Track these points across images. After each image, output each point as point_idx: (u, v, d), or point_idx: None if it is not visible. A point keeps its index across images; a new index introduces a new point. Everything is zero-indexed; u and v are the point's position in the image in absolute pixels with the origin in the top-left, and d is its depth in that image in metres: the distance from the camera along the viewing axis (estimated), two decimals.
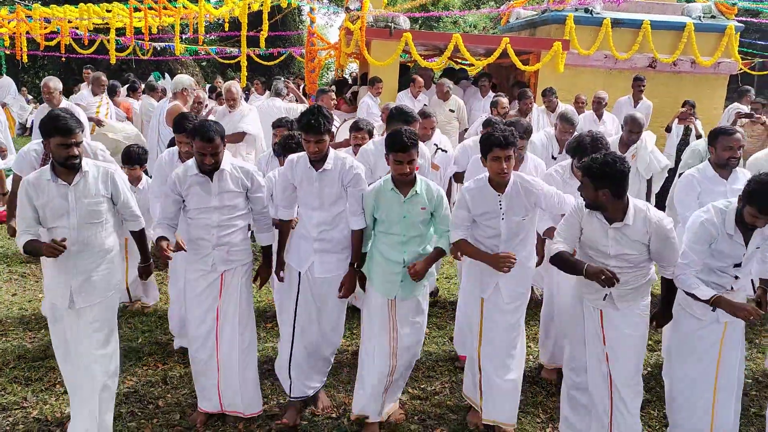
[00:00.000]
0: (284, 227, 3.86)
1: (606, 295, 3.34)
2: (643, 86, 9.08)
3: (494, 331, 3.67)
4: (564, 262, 3.34)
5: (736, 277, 3.37)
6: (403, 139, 3.38)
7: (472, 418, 3.88)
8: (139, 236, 3.71)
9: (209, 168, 3.56)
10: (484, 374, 3.71)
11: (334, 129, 6.91)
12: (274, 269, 3.90)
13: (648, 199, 6.00)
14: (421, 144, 3.94)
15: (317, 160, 3.60)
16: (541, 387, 4.38)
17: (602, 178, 3.12)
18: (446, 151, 5.52)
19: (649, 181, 6.04)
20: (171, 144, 4.83)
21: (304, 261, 3.75)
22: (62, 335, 3.41)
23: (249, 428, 3.78)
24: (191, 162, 3.65)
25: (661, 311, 3.56)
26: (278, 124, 5.44)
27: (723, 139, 4.31)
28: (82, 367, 3.38)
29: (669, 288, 3.45)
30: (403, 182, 3.52)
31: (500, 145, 3.38)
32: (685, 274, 3.27)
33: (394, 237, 3.59)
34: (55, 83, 6.06)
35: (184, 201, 3.66)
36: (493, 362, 3.67)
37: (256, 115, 7.20)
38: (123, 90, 10.75)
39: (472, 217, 3.58)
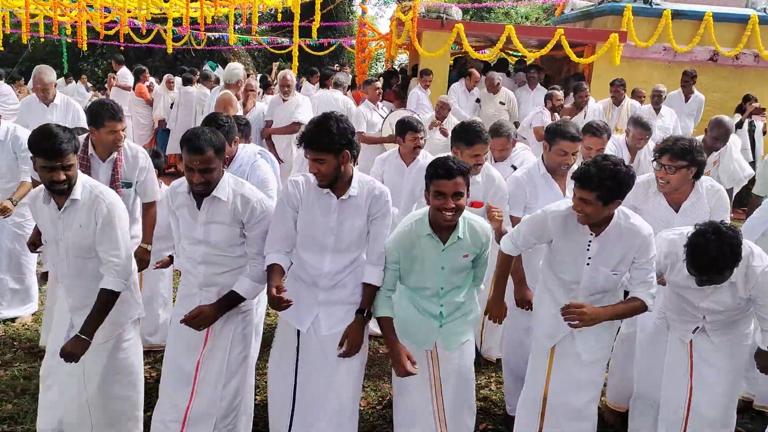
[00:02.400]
0: (274, 277, 2.77)
1: (697, 327, 2.99)
2: (693, 81, 8.65)
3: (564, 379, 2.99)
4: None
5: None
6: (449, 163, 2.66)
7: None
8: (104, 299, 2.81)
9: (199, 189, 2.78)
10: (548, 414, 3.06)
11: (379, 119, 6.99)
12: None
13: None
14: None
15: (332, 185, 2.75)
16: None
17: None
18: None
19: (730, 191, 5.36)
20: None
21: (306, 316, 2.85)
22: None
23: None
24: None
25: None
26: None
27: None
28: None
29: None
30: (444, 224, 2.74)
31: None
32: None
33: (429, 290, 2.88)
34: (49, 76, 5.19)
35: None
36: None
37: (309, 105, 7.23)
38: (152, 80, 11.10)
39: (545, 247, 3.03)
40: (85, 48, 14.27)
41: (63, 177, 2.73)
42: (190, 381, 2.89)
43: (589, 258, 2.85)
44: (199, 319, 2.81)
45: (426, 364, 2.91)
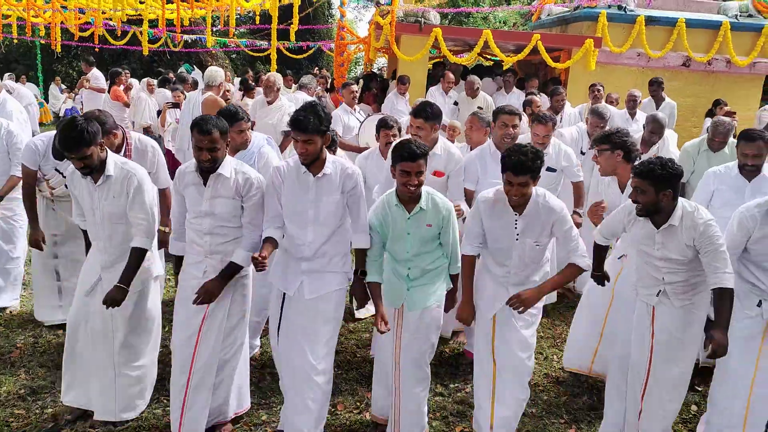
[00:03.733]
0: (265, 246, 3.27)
1: (660, 290, 3.31)
2: (661, 88, 8.59)
3: (507, 346, 3.45)
4: (597, 255, 3.62)
5: None
6: (412, 147, 3.13)
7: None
8: (136, 255, 3.40)
9: (207, 166, 3.25)
10: (497, 390, 3.48)
11: (356, 123, 6.98)
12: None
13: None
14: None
15: (311, 164, 3.20)
16: (566, 387, 4.34)
17: (666, 179, 3.07)
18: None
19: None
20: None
21: (292, 283, 3.33)
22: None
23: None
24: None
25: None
26: None
27: (741, 145, 4.18)
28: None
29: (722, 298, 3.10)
30: (408, 197, 3.25)
31: (511, 169, 3.17)
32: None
33: (398, 253, 3.37)
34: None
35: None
36: (505, 382, 3.46)
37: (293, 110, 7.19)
38: (135, 81, 10.87)
39: (483, 234, 3.43)
40: (59, 50, 14.09)
41: (82, 165, 3.28)
42: (195, 333, 3.35)
43: (518, 234, 3.33)
44: (208, 295, 3.27)
45: (393, 323, 3.35)
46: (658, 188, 3.08)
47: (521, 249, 3.35)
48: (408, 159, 3.12)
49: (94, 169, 3.35)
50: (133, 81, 11.22)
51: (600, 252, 3.66)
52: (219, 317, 3.39)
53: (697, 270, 3.21)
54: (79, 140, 3.21)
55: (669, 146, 5.81)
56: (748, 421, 3.46)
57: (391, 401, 3.44)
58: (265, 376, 4.25)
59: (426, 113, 4.19)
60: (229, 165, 3.33)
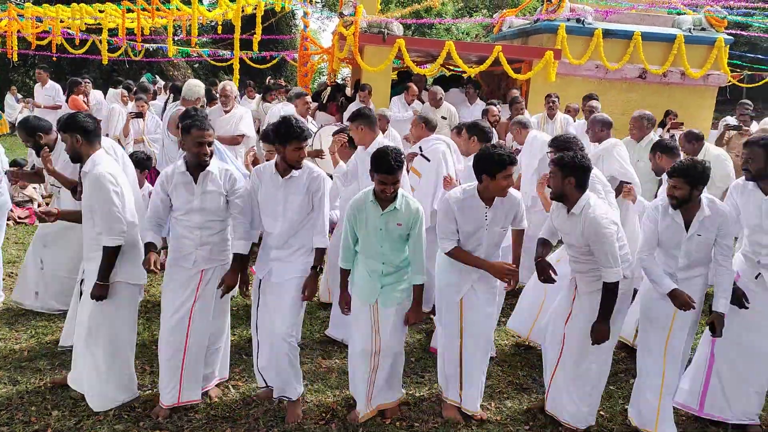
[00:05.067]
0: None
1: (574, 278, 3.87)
2: (552, 102, 8.29)
3: (474, 326, 3.88)
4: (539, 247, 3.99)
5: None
6: (389, 161, 3.44)
7: (449, 413, 3.99)
8: (105, 254, 3.66)
9: (206, 161, 3.63)
10: (465, 369, 3.94)
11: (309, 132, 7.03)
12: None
13: None
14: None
15: (287, 168, 3.69)
16: (529, 395, 4.39)
17: (571, 168, 3.60)
18: (429, 160, 5.34)
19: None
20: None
21: (264, 268, 3.86)
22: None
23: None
24: (180, 161, 3.73)
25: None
26: None
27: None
28: None
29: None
30: (385, 198, 3.61)
31: (513, 163, 3.63)
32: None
33: (372, 247, 3.69)
34: None
35: (171, 200, 3.74)
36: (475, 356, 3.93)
37: (251, 117, 7.16)
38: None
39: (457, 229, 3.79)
40: (15, 59, 13.77)
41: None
42: (187, 315, 3.73)
43: (488, 224, 3.75)
44: (227, 285, 3.77)
45: (369, 316, 3.74)
46: (564, 174, 3.59)
47: (490, 236, 3.77)
48: (385, 172, 3.47)
49: (75, 160, 3.82)
50: (96, 92, 10.94)
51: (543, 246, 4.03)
52: (208, 299, 3.80)
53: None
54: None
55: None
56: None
57: (365, 387, 3.83)
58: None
59: (351, 116, 4.78)
60: (214, 162, 3.73)
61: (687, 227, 3.67)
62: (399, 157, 3.50)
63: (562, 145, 4.63)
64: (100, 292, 3.67)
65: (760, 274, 3.89)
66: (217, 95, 7.26)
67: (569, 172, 3.59)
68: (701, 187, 3.61)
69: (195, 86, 6.72)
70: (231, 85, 7.05)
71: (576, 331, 3.79)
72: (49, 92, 10.80)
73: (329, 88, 10.56)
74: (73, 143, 3.76)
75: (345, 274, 3.85)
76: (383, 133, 6.99)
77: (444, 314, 3.95)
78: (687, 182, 3.57)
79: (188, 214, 3.69)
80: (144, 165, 5.68)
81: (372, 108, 8.64)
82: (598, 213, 3.55)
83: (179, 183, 3.68)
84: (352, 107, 8.78)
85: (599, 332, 3.61)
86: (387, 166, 3.45)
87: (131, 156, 5.45)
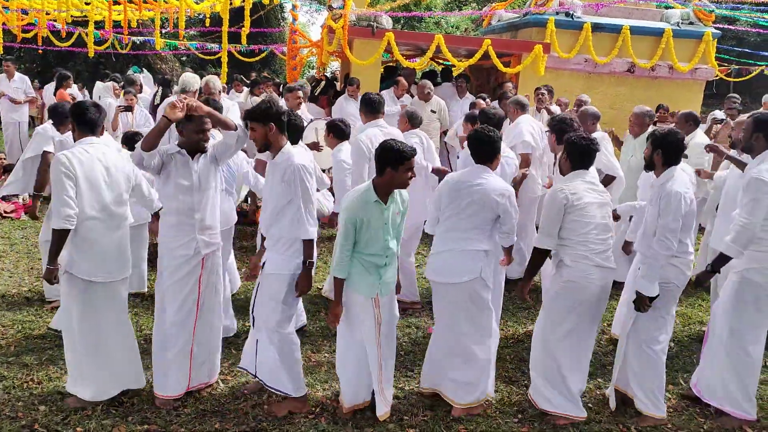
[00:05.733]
0: None
1: None
2: (542, 95, 8.23)
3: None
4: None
5: None
6: (403, 149, 3.53)
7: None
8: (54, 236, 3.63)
9: (205, 148, 3.76)
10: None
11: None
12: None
13: None
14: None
15: (265, 150, 3.75)
16: (519, 387, 4.41)
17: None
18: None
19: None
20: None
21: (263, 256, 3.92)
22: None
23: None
24: (173, 145, 3.80)
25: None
26: None
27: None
28: None
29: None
30: (385, 192, 3.63)
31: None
32: None
33: (378, 243, 3.67)
34: None
35: (163, 164, 3.67)
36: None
37: (237, 110, 7.14)
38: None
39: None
40: (0, 51, 13.60)
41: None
42: (194, 306, 3.82)
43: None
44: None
45: (372, 310, 3.70)
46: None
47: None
48: (410, 156, 3.53)
49: None
50: (73, 88, 10.87)
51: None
52: (212, 293, 3.92)
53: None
54: None
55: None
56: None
57: (375, 375, 3.79)
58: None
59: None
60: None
61: None
62: (404, 143, 3.65)
63: (557, 125, 4.89)
64: (48, 276, 3.66)
65: None
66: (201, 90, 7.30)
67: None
68: (662, 153, 3.83)
69: (192, 78, 7.00)
70: (214, 80, 7.16)
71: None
72: (18, 84, 10.68)
73: (324, 82, 10.54)
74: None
75: (341, 284, 3.70)
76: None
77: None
78: (651, 143, 3.91)
79: (186, 195, 3.71)
80: (133, 142, 5.57)
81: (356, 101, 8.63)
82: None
83: (179, 161, 3.71)
84: (341, 100, 8.77)
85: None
86: (405, 154, 3.52)
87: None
